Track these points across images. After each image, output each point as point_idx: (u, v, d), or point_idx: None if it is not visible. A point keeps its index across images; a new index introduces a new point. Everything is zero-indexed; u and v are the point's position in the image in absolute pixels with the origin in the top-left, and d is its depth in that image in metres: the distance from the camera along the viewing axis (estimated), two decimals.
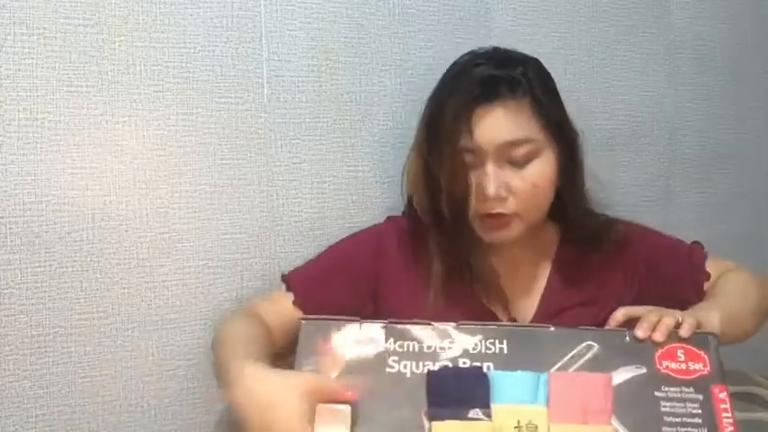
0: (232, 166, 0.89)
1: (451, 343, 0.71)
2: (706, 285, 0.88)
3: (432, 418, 0.67)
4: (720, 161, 1.25)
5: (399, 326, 0.72)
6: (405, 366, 0.70)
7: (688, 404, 0.68)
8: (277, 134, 0.91)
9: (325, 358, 0.70)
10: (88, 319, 0.83)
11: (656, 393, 0.69)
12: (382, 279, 0.87)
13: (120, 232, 0.84)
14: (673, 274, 0.90)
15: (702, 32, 1.19)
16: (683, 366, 0.70)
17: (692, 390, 0.69)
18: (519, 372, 0.69)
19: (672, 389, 0.69)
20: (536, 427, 0.66)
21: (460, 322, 0.73)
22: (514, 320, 0.86)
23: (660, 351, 0.71)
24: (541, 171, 0.81)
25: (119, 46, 0.82)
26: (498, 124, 0.80)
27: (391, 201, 0.96)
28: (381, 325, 0.72)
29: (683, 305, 0.78)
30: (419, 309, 0.80)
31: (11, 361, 0.79)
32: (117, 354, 0.84)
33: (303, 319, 0.74)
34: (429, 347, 0.71)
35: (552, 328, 0.73)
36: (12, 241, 0.79)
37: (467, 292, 0.85)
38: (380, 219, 0.94)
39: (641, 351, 0.71)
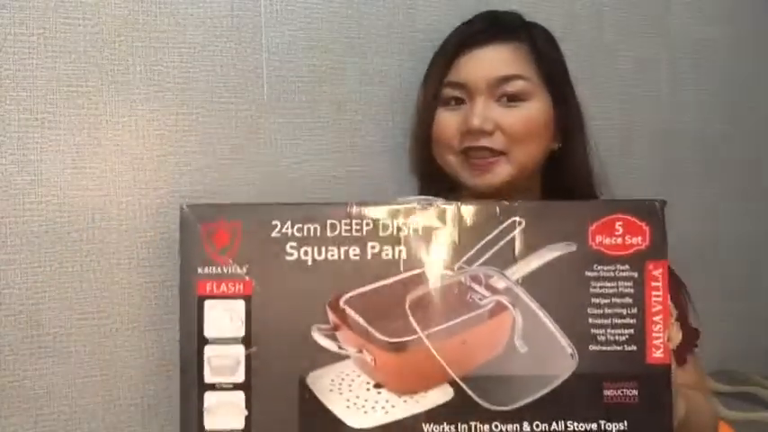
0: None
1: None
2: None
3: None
4: (719, 162, 1.25)
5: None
6: (305, 253, 0.63)
7: (620, 283, 0.63)
8: (277, 134, 0.91)
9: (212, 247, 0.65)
10: (88, 319, 0.83)
11: (587, 273, 0.63)
12: None
13: (119, 232, 0.84)
14: None
15: (702, 32, 1.20)
16: (619, 241, 0.63)
17: (627, 267, 0.63)
18: None
19: (605, 267, 0.63)
20: None
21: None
22: None
23: (594, 224, 0.63)
24: (534, 111, 0.80)
25: (119, 46, 0.82)
26: (491, 60, 0.79)
27: None
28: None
29: None
30: None
31: (11, 361, 0.79)
32: (116, 354, 0.84)
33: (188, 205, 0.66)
34: (333, 229, 0.63)
35: (471, 206, 0.64)
36: (12, 241, 0.79)
37: None
38: None
39: (573, 225, 0.63)
